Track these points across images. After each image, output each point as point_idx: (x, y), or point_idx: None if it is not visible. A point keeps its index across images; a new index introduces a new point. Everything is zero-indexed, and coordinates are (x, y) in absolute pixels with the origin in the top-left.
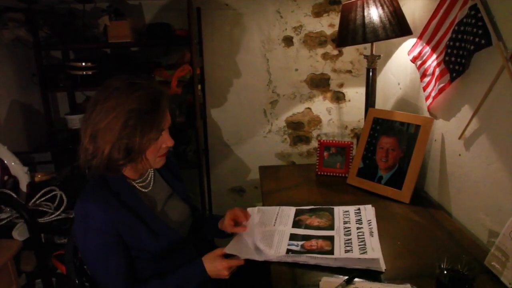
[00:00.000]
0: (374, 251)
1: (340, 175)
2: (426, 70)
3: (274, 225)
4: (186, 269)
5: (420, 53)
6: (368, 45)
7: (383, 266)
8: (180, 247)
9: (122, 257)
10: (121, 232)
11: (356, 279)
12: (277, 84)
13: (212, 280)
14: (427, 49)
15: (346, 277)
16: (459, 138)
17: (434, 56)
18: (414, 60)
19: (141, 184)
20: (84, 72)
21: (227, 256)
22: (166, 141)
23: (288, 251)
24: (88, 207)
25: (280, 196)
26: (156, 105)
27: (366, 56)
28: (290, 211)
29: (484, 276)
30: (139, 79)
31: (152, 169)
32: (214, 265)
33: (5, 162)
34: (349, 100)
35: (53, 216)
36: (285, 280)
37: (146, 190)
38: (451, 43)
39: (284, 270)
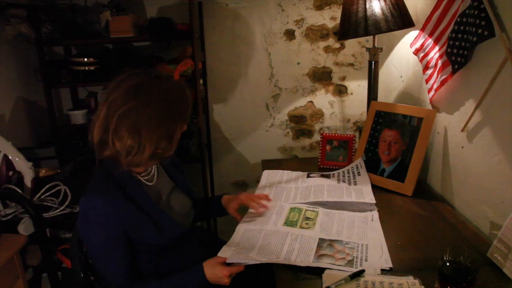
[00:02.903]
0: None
1: None
2: (428, 62)
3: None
4: (185, 272)
5: (422, 45)
6: (370, 37)
7: (389, 263)
8: (183, 240)
9: (124, 251)
10: (125, 226)
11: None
12: (279, 78)
13: (212, 285)
14: (430, 41)
15: (351, 272)
16: (462, 130)
17: (437, 48)
18: (416, 52)
19: (146, 178)
20: (87, 68)
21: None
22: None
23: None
24: (92, 201)
25: None
26: (183, 90)
27: (368, 49)
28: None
29: (486, 268)
30: (154, 72)
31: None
32: (215, 272)
33: (10, 157)
34: (352, 93)
35: (57, 210)
36: (287, 273)
37: (151, 184)
38: (454, 35)
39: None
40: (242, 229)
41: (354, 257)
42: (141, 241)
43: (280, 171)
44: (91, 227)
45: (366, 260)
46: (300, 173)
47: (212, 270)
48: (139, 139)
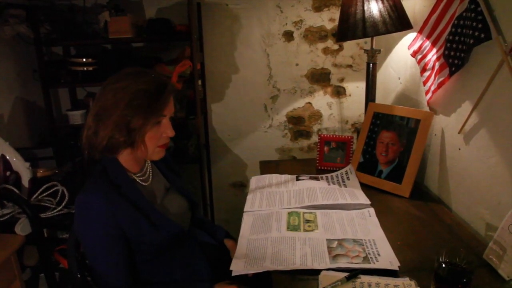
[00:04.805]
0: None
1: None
2: (426, 64)
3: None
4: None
5: (420, 47)
6: (368, 39)
7: (396, 263)
8: (180, 240)
9: (123, 250)
10: (122, 224)
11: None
12: (277, 79)
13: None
14: (427, 44)
15: (347, 274)
16: (459, 132)
17: (434, 50)
18: (414, 54)
19: (141, 178)
20: (85, 68)
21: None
22: (167, 130)
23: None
24: (89, 199)
25: None
26: (162, 89)
27: (366, 51)
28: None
29: (482, 270)
30: (149, 70)
31: (150, 163)
32: None
33: (7, 157)
34: (350, 95)
35: (55, 211)
36: (284, 274)
37: (146, 184)
38: (451, 37)
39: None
40: (246, 240)
41: (367, 253)
42: (138, 240)
43: (268, 175)
44: (88, 225)
45: (379, 255)
46: (288, 176)
47: None
48: (97, 123)
